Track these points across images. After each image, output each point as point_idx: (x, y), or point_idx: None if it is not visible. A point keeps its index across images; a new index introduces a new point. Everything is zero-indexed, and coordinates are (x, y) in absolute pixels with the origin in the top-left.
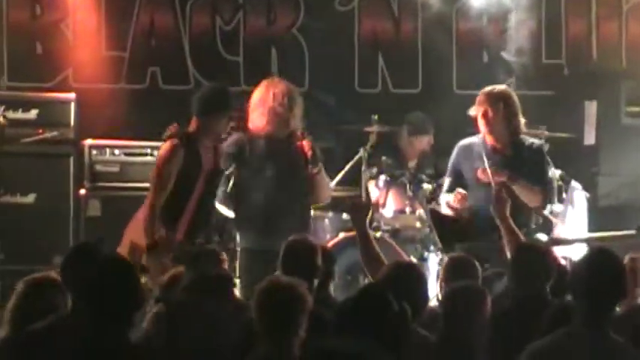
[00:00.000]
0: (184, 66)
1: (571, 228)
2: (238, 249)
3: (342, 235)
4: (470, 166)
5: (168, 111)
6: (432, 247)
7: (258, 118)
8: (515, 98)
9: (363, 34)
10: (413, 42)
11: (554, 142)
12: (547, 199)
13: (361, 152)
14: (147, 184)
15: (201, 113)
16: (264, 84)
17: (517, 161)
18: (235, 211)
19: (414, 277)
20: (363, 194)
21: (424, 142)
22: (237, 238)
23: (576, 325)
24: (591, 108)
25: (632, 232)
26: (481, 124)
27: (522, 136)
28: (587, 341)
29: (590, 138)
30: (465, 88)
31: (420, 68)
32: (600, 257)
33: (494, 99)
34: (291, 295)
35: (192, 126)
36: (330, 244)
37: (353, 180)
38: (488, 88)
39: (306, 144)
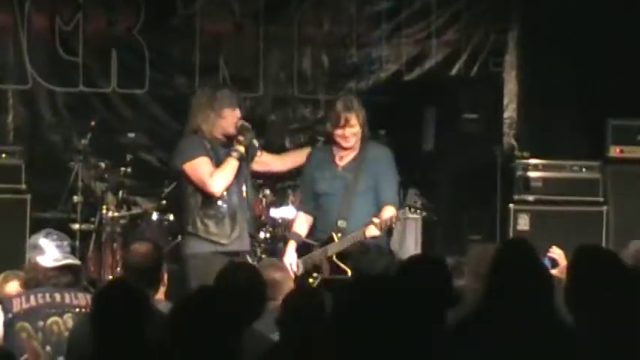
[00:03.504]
0: (22, 65)
1: (409, 235)
2: None
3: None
4: (322, 175)
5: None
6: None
7: None
8: None
9: (205, 36)
10: (254, 44)
11: (393, 148)
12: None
13: None
14: None
15: None
16: None
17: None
18: None
19: (251, 278)
20: None
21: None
22: None
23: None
24: (429, 113)
25: None
26: (349, 132)
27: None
28: None
29: (428, 143)
30: (305, 91)
31: (261, 72)
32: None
33: (359, 106)
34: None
35: None
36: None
37: None
38: (348, 96)
39: None
